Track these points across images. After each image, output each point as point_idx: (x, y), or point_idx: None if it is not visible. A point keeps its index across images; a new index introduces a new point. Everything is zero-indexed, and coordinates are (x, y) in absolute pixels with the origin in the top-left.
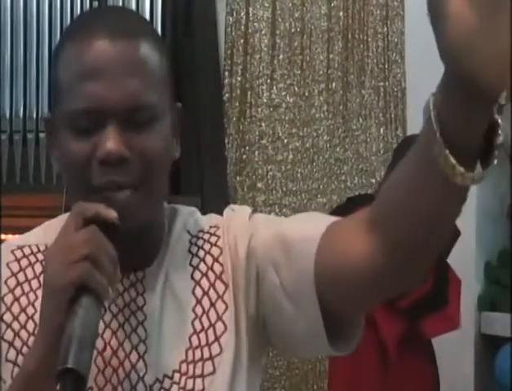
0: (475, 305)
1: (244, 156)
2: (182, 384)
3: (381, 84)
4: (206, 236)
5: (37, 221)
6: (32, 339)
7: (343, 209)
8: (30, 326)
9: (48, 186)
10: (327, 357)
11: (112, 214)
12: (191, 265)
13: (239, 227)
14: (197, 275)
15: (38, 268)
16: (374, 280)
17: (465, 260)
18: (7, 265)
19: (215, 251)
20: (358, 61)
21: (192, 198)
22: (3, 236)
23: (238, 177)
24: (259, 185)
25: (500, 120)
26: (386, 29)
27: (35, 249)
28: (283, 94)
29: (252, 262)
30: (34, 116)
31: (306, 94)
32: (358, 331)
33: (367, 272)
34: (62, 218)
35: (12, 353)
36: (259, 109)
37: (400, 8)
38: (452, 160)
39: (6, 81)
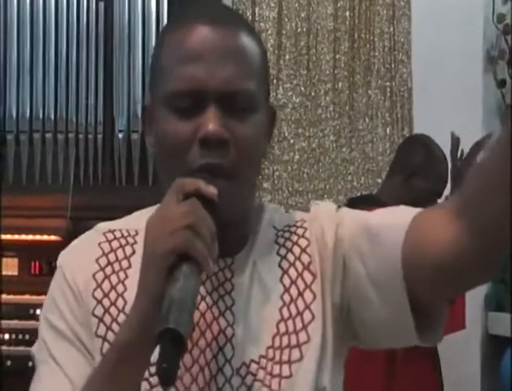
0: (482, 306)
1: None
2: (268, 369)
3: (388, 84)
4: (293, 229)
5: (42, 221)
6: (121, 316)
7: None
8: (120, 303)
9: (54, 186)
10: None
11: (211, 190)
12: (278, 254)
13: (325, 219)
14: (285, 264)
15: (129, 250)
16: (460, 266)
17: None
18: (99, 244)
19: (303, 242)
20: (364, 61)
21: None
22: (11, 237)
23: None
24: (265, 185)
25: None
26: (392, 29)
27: (125, 233)
28: (289, 94)
29: (339, 252)
30: (41, 116)
31: (313, 94)
32: (443, 321)
33: (454, 258)
34: (155, 207)
35: (102, 329)
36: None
37: (407, 8)
38: None
39: (12, 82)
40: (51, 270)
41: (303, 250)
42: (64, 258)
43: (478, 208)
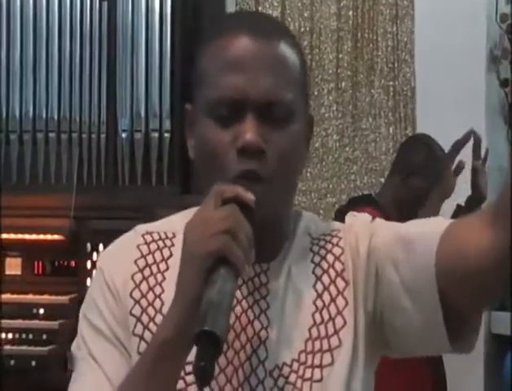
0: None
1: None
2: (300, 373)
3: (391, 83)
4: (328, 238)
5: (45, 220)
6: (159, 316)
7: (345, 210)
8: (157, 304)
9: (58, 185)
10: None
11: (249, 196)
12: (312, 262)
13: (360, 228)
14: (318, 271)
15: (166, 252)
16: (495, 274)
17: None
18: (137, 246)
19: (336, 250)
20: (367, 60)
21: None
22: (15, 236)
23: None
24: None
25: None
26: (395, 29)
27: (163, 235)
28: None
29: (372, 261)
30: (44, 116)
31: (316, 93)
32: (477, 330)
33: (488, 265)
34: (191, 210)
35: (139, 328)
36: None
37: (410, 7)
38: None
39: (15, 82)
40: (55, 269)
41: (337, 258)
42: (104, 260)
43: (508, 216)
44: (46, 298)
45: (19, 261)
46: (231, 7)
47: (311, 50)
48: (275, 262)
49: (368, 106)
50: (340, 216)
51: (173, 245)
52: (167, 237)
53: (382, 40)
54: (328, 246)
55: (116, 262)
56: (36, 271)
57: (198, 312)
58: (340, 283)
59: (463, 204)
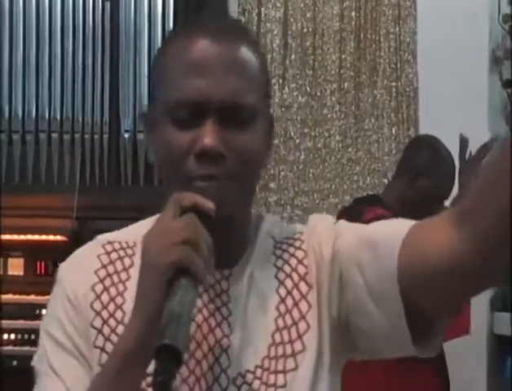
0: (488, 306)
1: None
2: (264, 379)
3: (394, 84)
4: (291, 241)
5: (48, 221)
6: (120, 327)
7: (350, 210)
8: (119, 315)
9: (60, 186)
10: None
11: (208, 204)
12: (275, 266)
13: (324, 231)
14: (281, 276)
15: (127, 261)
16: (460, 276)
17: None
18: (98, 256)
19: (299, 253)
20: (370, 61)
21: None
22: (17, 237)
23: None
24: (271, 185)
25: None
26: (398, 29)
27: (124, 245)
28: (295, 94)
29: (336, 264)
30: (46, 116)
31: (318, 94)
32: (442, 332)
33: (453, 267)
34: (152, 219)
35: (100, 340)
36: (271, 109)
37: (413, 8)
38: None
39: (18, 82)
40: (57, 270)
41: (300, 261)
42: (64, 270)
43: (479, 216)
44: (48, 299)
45: (21, 261)
46: (233, 7)
47: (314, 50)
48: (237, 268)
49: (371, 106)
50: (344, 216)
51: (134, 254)
52: (128, 246)
53: (385, 40)
54: (291, 249)
55: (76, 273)
56: (38, 272)
57: (159, 324)
58: (303, 286)
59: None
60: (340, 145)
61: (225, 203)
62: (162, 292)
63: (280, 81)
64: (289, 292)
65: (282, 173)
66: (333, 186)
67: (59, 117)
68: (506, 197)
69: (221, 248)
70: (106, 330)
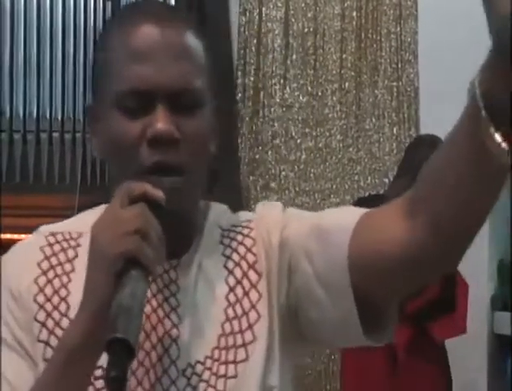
0: (488, 305)
1: (257, 156)
2: (214, 369)
3: (395, 84)
4: (239, 229)
5: (49, 220)
6: (64, 320)
7: None
8: (63, 307)
9: (61, 185)
10: (339, 358)
11: (158, 194)
12: (223, 255)
13: (272, 218)
14: (230, 265)
15: (71, 253)
16: (411, 264)
17: (479, 260)
18: (41, 248)
19: (248, 241)
20: (371, 61)
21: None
22: (20, 236)
23: (251, 177)
24: (272, 185)
25: None
26: (399, 29)
27: (68, 236)
28: (296, 93)
29: (285, 252)
30: (47, 115)
31: (320, 93)
32: (394, 321)
33: (405, 256)
34: (97, 209)
35: (44, 334)
36: (272, 109)
37: (413, 8)
38: (498, 137)
39: (19, 82)
40: None
41: (248, 250)
42: (5, 264)
43: (428, 201)
44: None
45: None
46: (234, 7)
47: (315, 50)
48: (185, 258)
49: (372, 106)
50: None
51: (78, 245)
52: (72, 237)
53: (386, 40)
54: (239, 237)
55: (18, 266)
56: None
57: (108, 317)
58: (253, 275)
59: None
60: (341, 145)
61: (176, 193)
62: (111, 284)
63: (282, 80)
64: (238, 282)
65: (283, 173)
66: (334, 186)
67: (60, 117)
68: (455, 189)
69: (170, 237)
70: (50, 323)
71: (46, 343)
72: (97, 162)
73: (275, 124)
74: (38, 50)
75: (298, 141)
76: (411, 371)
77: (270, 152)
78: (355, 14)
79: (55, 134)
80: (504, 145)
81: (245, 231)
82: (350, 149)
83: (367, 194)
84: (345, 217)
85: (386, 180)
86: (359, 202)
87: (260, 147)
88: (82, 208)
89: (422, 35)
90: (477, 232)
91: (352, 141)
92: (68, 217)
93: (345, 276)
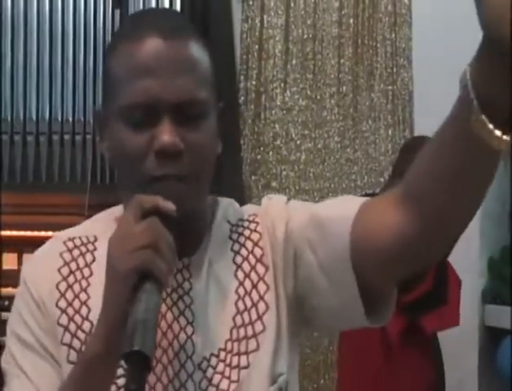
0: (479, 299)
1: (258, 157)
2: (228, 361)
3: (390, 87)
4: (246, 223)
5: (60, 218)
6: (86, 323)
7: None
8: (84, 311)
9: (72, 184)
10: (337, 348)
11: (170, 206)
12: (232, 250)
13: (276, 212)
14: (238, 259)
15: (89, 257)
16: (406, 251)
17: (470, 255)
18: (60, 254)
19: (255, 236)
20: (367, 66)
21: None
22: (31, 233)
23: (253, 177)
24: (273, 184)
25: None
26: (394, 35)
27: (85, 240)
28: (296, 97)
29: (290, 244)
30: (59, 118)
31: (318, 97)
32: (392, 303)
33: (400, 243)
34: (110, 212)
35: (67, 337)
36: (273, 112)
37: (408, 15)
38: (489, 125)
39: (32, 86)
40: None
41: (255, 244)
42: (27, 271)
43: (421, 192)
44: None
45: None
46: (237, 14)
47: (314, 55)
48: (196, 256)
49: (368, 109)
50: None
51: (95, 249)
52: (89, 241)
53: (381, 46)
54: (247, 232)
55: (39, 273)
56: None
57: (126, 330)
58: (260, 268)
59: None
60: (339, 146)
61: (184, 201)
62: (126, 297)
63: (282, 85)
64: (246, 275)
65: (284, 173)
66: (332, 185)
67: (71, 119)
68: (444, 179)
69: (181, 240)
70: (72, 327)
71: (70, 346)
72: (106, 162)
73: (276, 126)
74: (50, 56)
75: (298, 142)
76: (404, 360)
77: (271, 153)
78: (352, 21)
79: (67, 136)
80: (497, 133)
81: (252, 226)
82: (348, 150)
83: (363, 192)
84: (346, 206)
85: (382, 179)
86: None
87: (262, 148)
88: (92, 206)
89: (416, 41)
90: (467, 221)
91: (349, 142)
92: (78, 215)
93: (347, 263)
